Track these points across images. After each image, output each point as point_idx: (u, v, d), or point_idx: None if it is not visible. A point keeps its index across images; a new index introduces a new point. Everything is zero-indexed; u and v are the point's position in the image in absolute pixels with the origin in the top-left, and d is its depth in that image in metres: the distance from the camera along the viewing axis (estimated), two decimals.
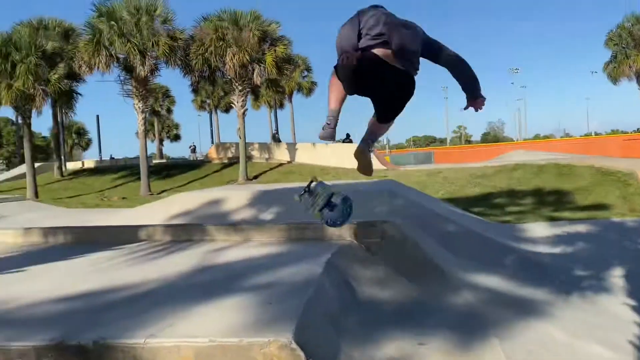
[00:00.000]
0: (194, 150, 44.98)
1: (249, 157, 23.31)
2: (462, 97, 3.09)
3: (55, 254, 4.68)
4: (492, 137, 79.25)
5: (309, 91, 37.24)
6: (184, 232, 5.07)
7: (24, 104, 19.01)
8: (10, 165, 54.52)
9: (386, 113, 3.28)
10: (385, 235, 4.36)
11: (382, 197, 7.07)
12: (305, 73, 36.38)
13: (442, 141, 79.17)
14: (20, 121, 21.39)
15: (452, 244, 5.44)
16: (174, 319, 2.49)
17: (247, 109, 22.03)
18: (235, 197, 7.41)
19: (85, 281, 3.40)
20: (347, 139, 27.83)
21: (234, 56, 19.60)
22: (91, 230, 5.63)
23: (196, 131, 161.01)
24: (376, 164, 22.04)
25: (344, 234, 4.42)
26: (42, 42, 19.09)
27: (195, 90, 25.92)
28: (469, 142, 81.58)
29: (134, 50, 18.37)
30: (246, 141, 22.06)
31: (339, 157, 23.16)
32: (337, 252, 3.98)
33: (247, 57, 19.76)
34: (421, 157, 35.96)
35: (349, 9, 3.16)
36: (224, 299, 2.85)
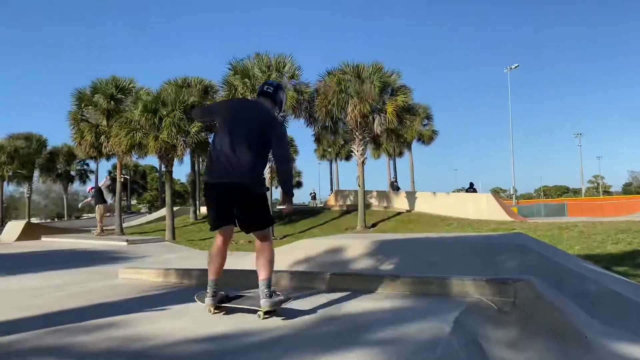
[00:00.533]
0: (314, 197, 46.43)
1: (367, 205, 23.43)
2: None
3: (192, 295, 5.03)
4: (635, 188, 71.67)
5: (430, 139, 36.92)
6: (309, 279, 5.17)
7: (167, 154, 21.15)
8: (152, 208, 60.50)
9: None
10: (519, 294, 4.06)
11: (511, 252, 6.64)
12: (426, 122, 36.22)
13: (577, 192, 73.22)
14: (163, 168, 23.71)
15: (592, 306, 4.91)
16: None
17: (366, 158, 22.35)
18: (355, 246, 7.43)
19: (219, 323, 3.59)
20: (471, 188, 26.89)
21: (355, 107, 20.18)
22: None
23: (316, 178, 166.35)
24: (502, 216, 20.97)
25: (472, 291, 4.20)
26: (185, 98, 21.30)
27: (318, 140, 26.97)
28: (608, 193, 74.50)
29: None
30: (365, 189, 22.26)
31: (462, 207, 22.40)
32: (466, 310, 3.78)
33: (368, 108, 20.24)
34: (553, 209, 33.55)
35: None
36: (349, 351, 2.83)
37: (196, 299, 4.19)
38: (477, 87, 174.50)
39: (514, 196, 41.86)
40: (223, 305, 3.98)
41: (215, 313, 3.94)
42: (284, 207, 3.83)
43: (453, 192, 36.83)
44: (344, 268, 6.53)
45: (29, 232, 17.65)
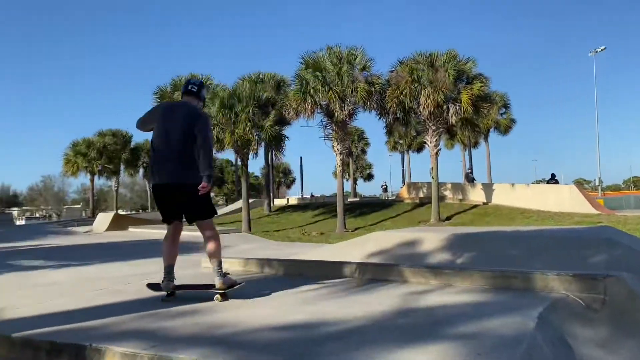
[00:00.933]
0: (385, 190, 46.08)
1: (441, 198, 22.94)
2: None
3: (270, 284, 5.18)
4: None
5: (507, 129, 35.51)
6: (384, 272, 5.16)
7: (243, 148, 21.80)
8: (229, 200, 62.69)
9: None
10: (609, 290, 3.83)
11: (597, 245, 6.28)
12: (503, 110, 34.85)
13: None
14: (238, 162, 24.48)
15: None
16: (380, 359, 2.52)
17: (440, 149, 21.85)
18: (430, 238, 7.32)
19: (298, 312, 3.68)
20: (553, 180, 25.62)
21: (429, 97, 19.76)
22: (299, 263, 6.09)
23: (387, 171, 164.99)
24: (586, 208, 19.80)
25: (557, 286, 4.02)
26: (259, 93, 21.82)
27: (389, 132, 26.68)
28: None
29: (335, 97, 19.81)
30: (439, 181, 21.79)
31: (542, 199, 21.41)
32: (551, 305, 3.62)
33: (442, 97, 19.75)
34: None
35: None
36: (429, 344, 2.80)
37: (147, 287, 4.58)
38: (558, 73, 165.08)
39: (599, 187, 39.32)
40: (180, 288, 4.42)
41: (170, 296, 4.35)
42: (201, 187, 4.11)
43: (532, 183, 35.22)
44: (419, 261, 6.46)
45: (117, 223, 18.89)
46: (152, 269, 7.60)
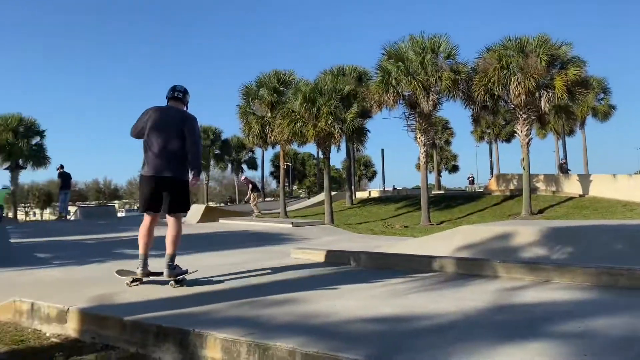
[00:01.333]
0: (472, 182, 44.60)
1: (533, 190, 21.82)
2: None
3: (359, 276, 5.21)
4: None
5: (605, 116, 33.02)
6: (476, 266, 5.02)
7: (325, 141, 22.02)
8: (311, 193, 63.74)
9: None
10: None
11: None
12: (601, 96, 32.43)
13: None
14: (320, 155, 24.78)
15: None
16: (477, 355, 2.46)
17: (531, 138, 20.71)
18: (523, 232, 6.99)
19: (388, 304, 3.67)
20: None
21: (519, 84, 18.80)
22: (386, 256, 6.07)
23: (473, 162, 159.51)
24: None
25: None
26: (340, 86, 21.89)
27: (476, 121, 25.67)
28: None
29: (419, 86, 19.41)
30: (530, 172, 20.71)
31: None
32: None
33: (534, 84, 18.71)
34: None
35: None
36: (528, 342, 2.69)
37: (117, 274, 4.88)
38: None
39: None
40: (151, 276, 4.83)
41: (138, 282, 4.76)
42: (192, 182, 4.76)
43: (636, 173, 32.51)
44: (511, 256, 6.20)
45: (208, 215, 19.74)
46: (244, 258, 7.90)
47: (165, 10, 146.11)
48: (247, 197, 24.54)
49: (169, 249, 4.73)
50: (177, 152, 4.64)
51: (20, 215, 44.64)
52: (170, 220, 4.76)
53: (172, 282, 4.68)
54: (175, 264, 4.77)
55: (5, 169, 31.52)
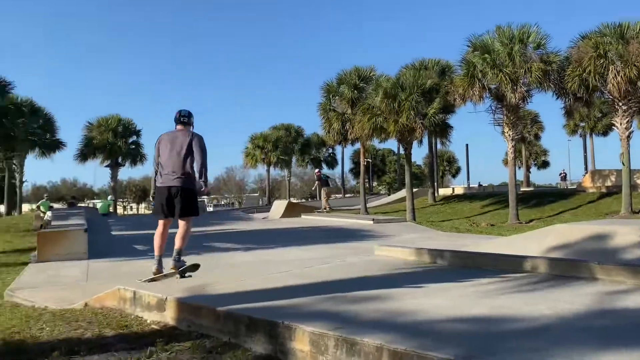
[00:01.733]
0: (564, 178, 42.09)
1: (633, 187, 20.16)
2: None
3: (446, 275, 5.12)
4: None
5: None
6: (570, 268, 4.76)
7: (406, 137, 21.72)
8: (391, 190, 63.17)
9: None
10: None
11: None
12: None
13: None
14: (401, 151, 24.47)
15: None
16: None
17: (632, 131, 19.16)
18: (624, 232, 6.51)
19: (477, 305, 3.58)
20: None
21: (619, 73, 17.45)
22: (474, 256, 5.90)
23: (565, 157, 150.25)
24: None
25: None
26: (422, 81, 21.48)
27: (569, 114, 24.11)
28: None
29: (506, 79, 18.59)
30: (631, 168, 19.17)
31: None
32: None
33: (635, 73, 17.28)
34: None
35: None
36: (632, 350, 2.52)
37: (141, 281, 5.21)
38: None
39: None
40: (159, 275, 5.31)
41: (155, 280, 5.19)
42: (202, 191, 5.44)
43: None
44: (610, 257, 5.80)
45: (291, 210, 20.22)
46: (327, 253, 8.02)
47: (251, 9, 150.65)
48: (317, 189, 26.20)
49: (177, 244, 5.38)
50: (185, 167, 5.35)
51: (119, 210, 48.23)
52: (181, 222, 5.45)
53: (177, 275, 5.31)
54: (182, 258, 5.40)
55: (106, 166, 34.23)
